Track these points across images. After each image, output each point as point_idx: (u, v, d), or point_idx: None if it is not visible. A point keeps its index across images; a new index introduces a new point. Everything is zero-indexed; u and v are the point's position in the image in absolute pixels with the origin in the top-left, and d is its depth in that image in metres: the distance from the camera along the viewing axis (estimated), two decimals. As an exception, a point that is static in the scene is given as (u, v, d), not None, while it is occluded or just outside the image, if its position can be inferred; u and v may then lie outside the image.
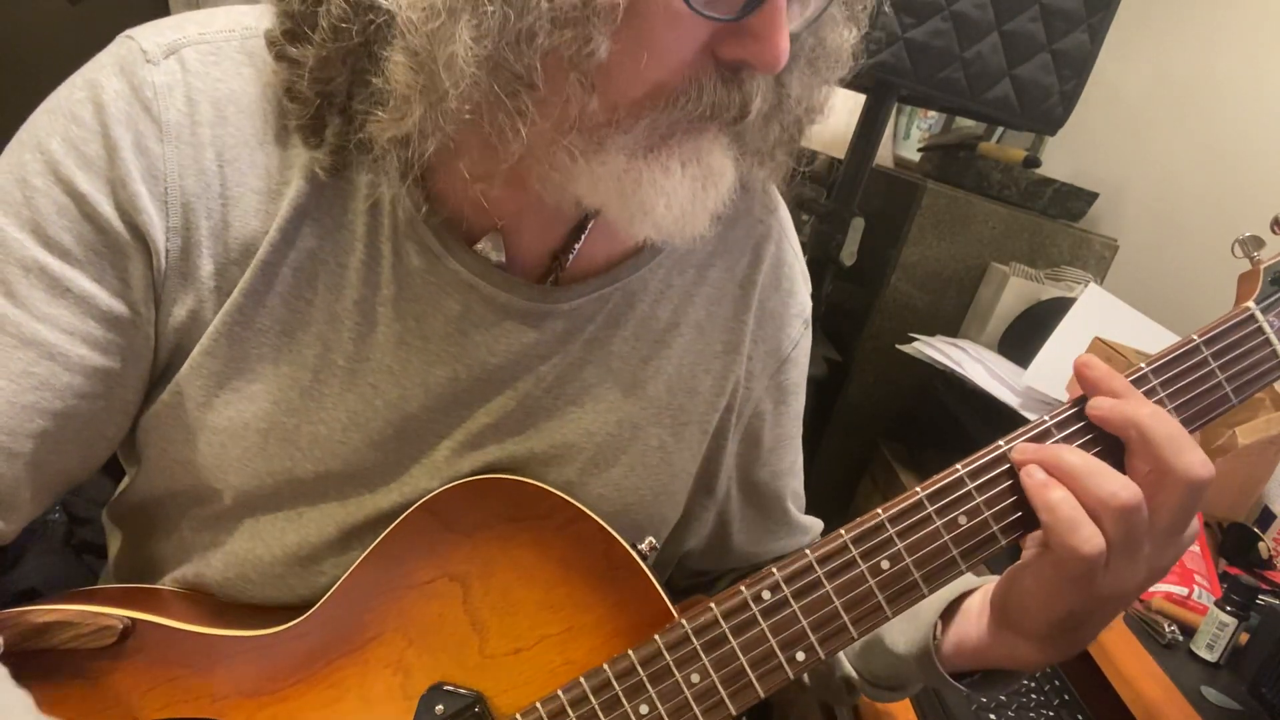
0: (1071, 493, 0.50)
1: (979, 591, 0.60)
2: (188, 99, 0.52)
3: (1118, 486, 0.49)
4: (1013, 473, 0.53)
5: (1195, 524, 0.52)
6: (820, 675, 0.70)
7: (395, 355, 0.57)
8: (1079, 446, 0.53)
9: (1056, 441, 0.53)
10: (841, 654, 0.67)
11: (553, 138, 0.48)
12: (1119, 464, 0.52)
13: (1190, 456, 0.49)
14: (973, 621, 0.59)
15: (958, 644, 0.59)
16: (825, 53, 0.56)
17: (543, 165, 0.50)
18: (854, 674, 0.67)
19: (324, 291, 0.56)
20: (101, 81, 0.52)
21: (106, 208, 0.51)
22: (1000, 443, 0.54)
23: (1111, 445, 0.53)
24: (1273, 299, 0.54)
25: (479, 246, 0.58)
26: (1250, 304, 0.54)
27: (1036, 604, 0.53)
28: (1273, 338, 0.53)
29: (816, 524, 0.80)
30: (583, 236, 0.61)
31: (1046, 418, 0.53)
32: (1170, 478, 0.49)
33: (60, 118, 0.51)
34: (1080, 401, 0.53)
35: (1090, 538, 0.49)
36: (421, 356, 0.58)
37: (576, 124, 0.48)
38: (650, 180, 0.49)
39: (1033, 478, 0.52)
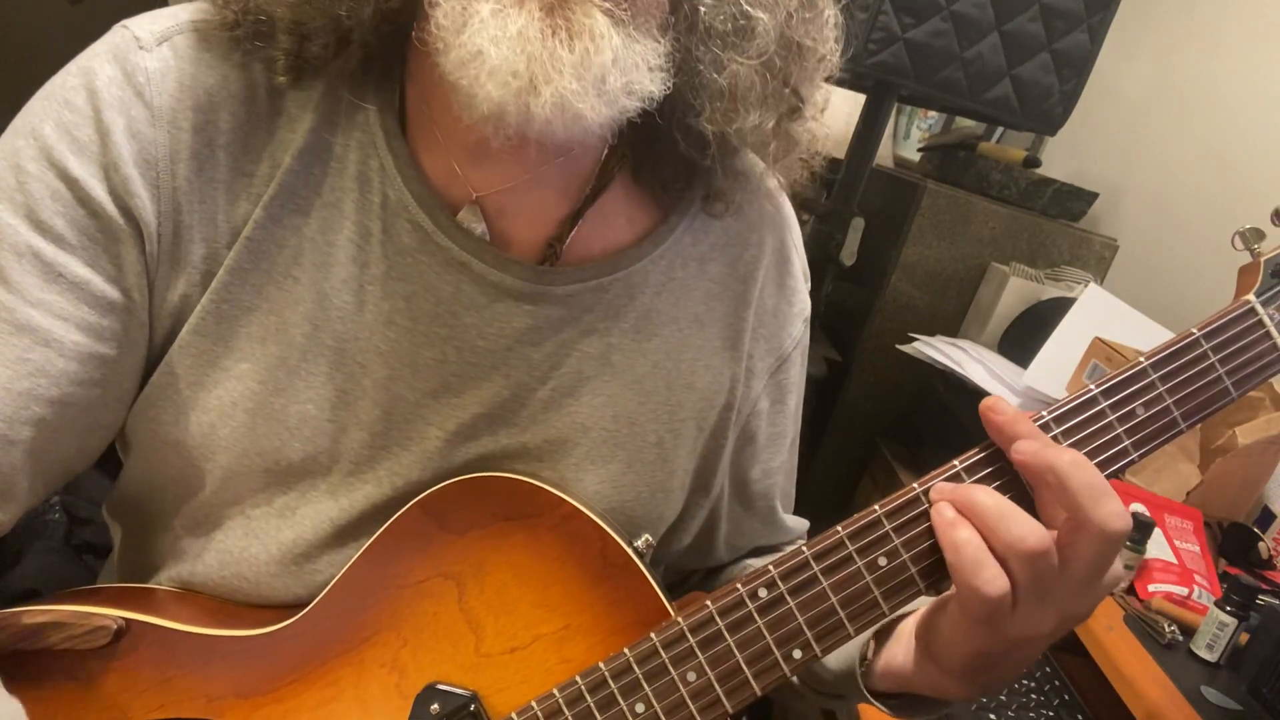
0: (980, 534, 0.49)
1: (913, 616, 0.59)
2: (179, 84, 0.53)
3: (1027, 530, 0.48)
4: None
5: (1118, 569, 0.51)
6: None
7: (384, 335, 0.57)
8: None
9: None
10: None
11: None
12: (1028, 508, 0.51)
13: (1108, 507, 0.47)
14: (902, 646, 0.58)
15: (886, 666, 0.58)
16: None
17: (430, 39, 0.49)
18: (795, 681, 0.67)
19: (311, 270, 0.56)
20: (95, 68, 0.52)
21: (99, 192, 0.52)
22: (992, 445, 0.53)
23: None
24: (1273, 292, 0.53)
25: (460, 217, 0.58)
26: (1250, 297, 0.54)
27: (948, 641, 0.53)
28: (1273, 331, 0.53)
29: (802, 524, 0.79)
30: (579, 222, 0.60)
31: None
32: (1086, 527, 0.48)
33: (54, 104, 0.52)
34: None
35: (993, 579, 0.48)
36: (410, 337, 0.57)
37: None
38: (475, 10, 0.46)
39: (941, 516, 0.51)
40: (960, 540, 0.49)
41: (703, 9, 0.53)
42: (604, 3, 0.47)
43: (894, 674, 0.58)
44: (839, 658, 0.61)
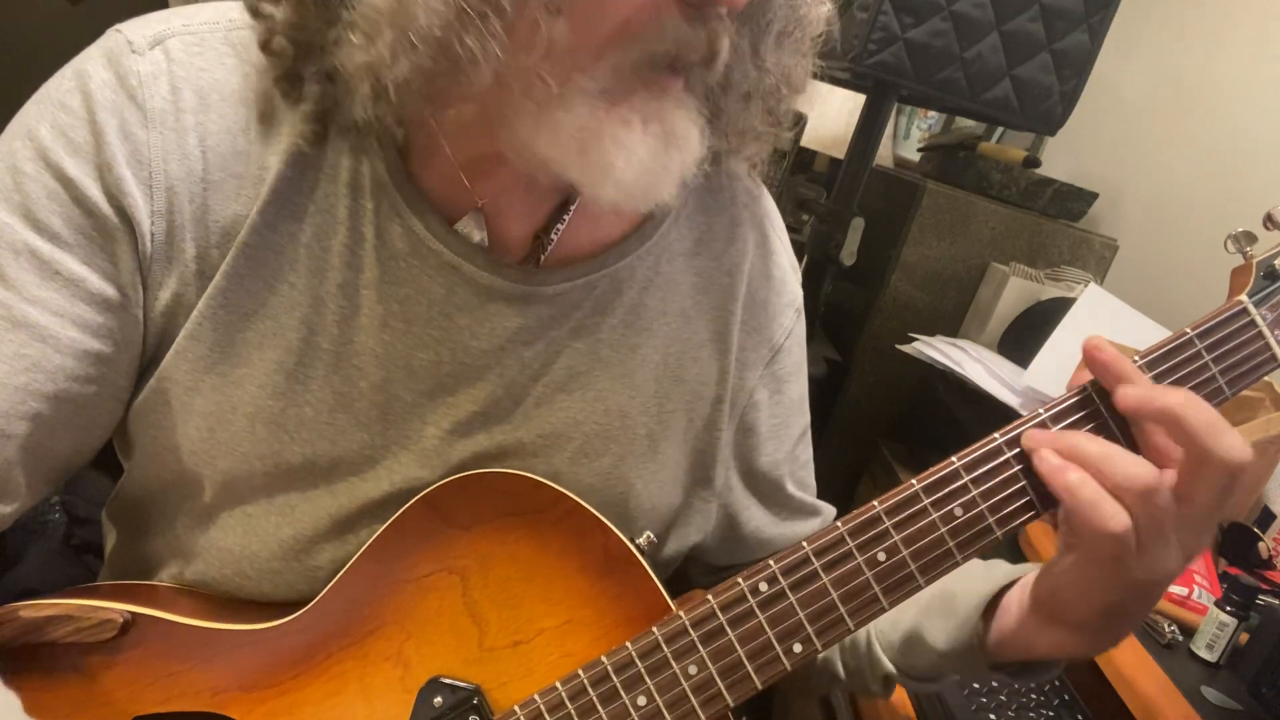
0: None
1: (1017, 586, 0.60)
2: (172, 87, 0.54)
3: (1137, 468, 0.49)
4: (1009, 464, 0.53)
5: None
6: (857, 672, 0.70)
7: (379, 338, 0.58)
8: None
9: (1063, 430, 0.53)
10: (880, 652, 0.68)
11: (521, 67, 0.49)
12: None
13: (1229, 440, 0.48)
14: (1014, 617, 0.59)
15: (1001, 640, 0.59)
16: (799, 21, 0.57)
17: (509, 110, 0.51)
18: (893, 670, 0.68)
19: (307, 275, 0.57)
20: (89, 71, 0.53)
21: (94, 191, 0.52)
22: (995, 435, 0.54)
23: (1112, 435, 0.53)
24: (1265, 293, 0.54)
25: (459, 226, 0.58)
26: (1243, 298, 0.55)
27: (1075, 595, 0.53)
28: (1265, 331, 0.54)
29: (829, 509, 0.79)
30: (566, 218, 0.61)
31: (1041, 410, 0.53)
32: (1210, 463, 0.49)
33: (49, 106, 0.53)
34: (1077, 394, 0.53)
35: (1115, 514, 0.49)
36: (404, 340, 0.58)
37: (545, 55, 0.48)
38: (611, 135, 0.50)
39: (1048, 462, 0.52)
40: (1074, 482, 0.50)
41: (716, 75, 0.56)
42: (698, 116, 0.53)
43: (1011, 644, 0.59)
44: (949, 639, 0.62)
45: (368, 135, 0.56)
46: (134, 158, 0.53)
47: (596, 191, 0.52)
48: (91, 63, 0.54)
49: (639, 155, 0.50)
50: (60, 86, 0.54)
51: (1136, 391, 0.51)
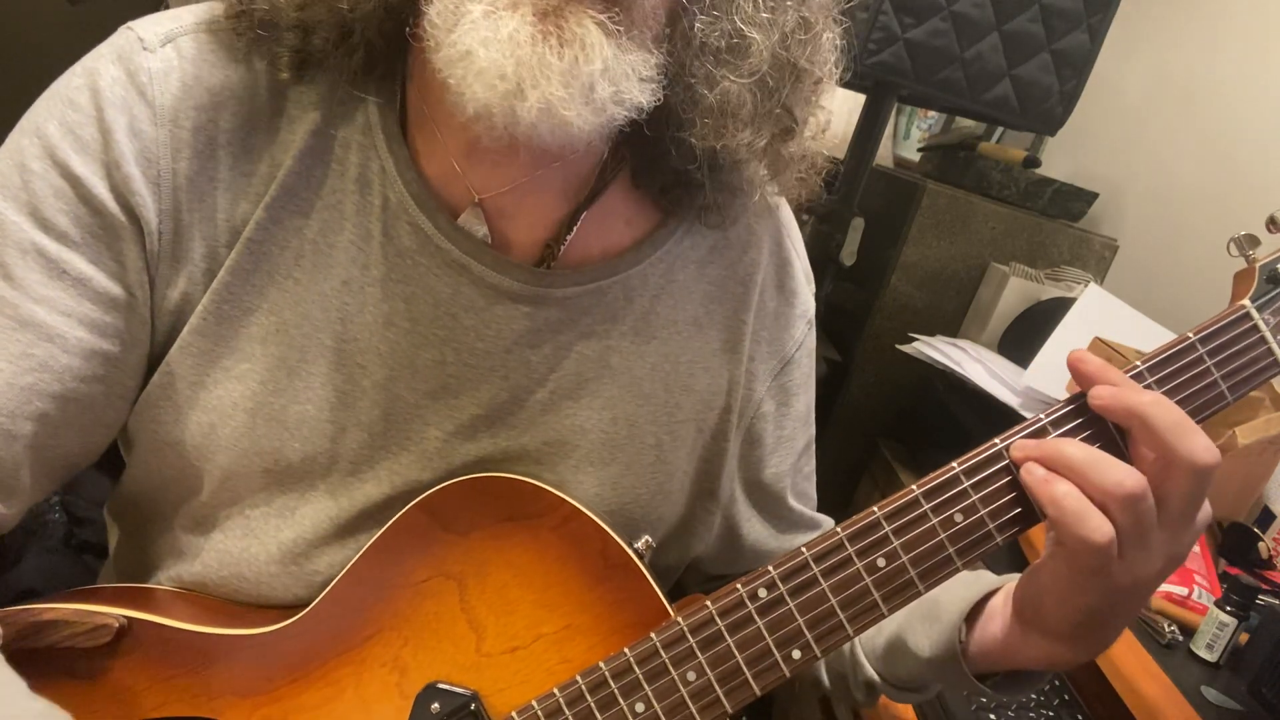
0: (1075, 485, 0.50)
1: (1001, 592, 0.60)
2: (182, 84, 0.54)
3: (1122, 475, 0.49)
4: (1009, 470, 0.53)
5: (1207, 508, 0.51)
6: (840, 678, 0.70)
7: (383, 336, 0.58)
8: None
9: (1054, 438, 0.53)
10: (863, 657, 0.67)
11: None
12: (1120, 456, 0.52)
13: (1194, 442, 0.48)
14: (997, 622, 0.58)
15: (983, 646, 0.59)
16: None
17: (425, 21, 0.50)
18: (876, 677, 0.67)
19: (311, 271, 0.57)
20: (99, 68, 0.53)
21: (102, 190, 0.52)
22: (996, 441, 0.53)
23: (1110, 439, 0.53)
24: (1268, 297, 0.54)
25: (461, 220, 0.58)
26: (1245, 302, 0.54)
27: (1056, 601, 0.53)
28: (1268, 335, 0.53)
29: (828, 521, 0.79)
30: (575, 228, 0.60)
31: (1042, 416, 0.53)
32: (1176, 465, 0.49)
33: (58, 103, 0.53)
34: (1075, 399, 0.53)
35: (1099, 526, 0.49)
36: (409, 338, 0.58)
37: None
38: (466, 11, 0.47)
39: (1033, 474, 0.51)
40: (1059, 494, 0.50)
41: (698, 25, 0.53)
42: (598, 13, 0.48)
43: (995, 652, 0.58)
44: (932, 644, 0.61)
45: (371, 120, 0.56)
46: (142, 156, 0.53)
47: (466, 88, 0.48)
48: (101, 60, 0.54)
49: (498, 37, 0.46)
50: (70, 84, 0.53)
51: (1106, 391, 0.51)
